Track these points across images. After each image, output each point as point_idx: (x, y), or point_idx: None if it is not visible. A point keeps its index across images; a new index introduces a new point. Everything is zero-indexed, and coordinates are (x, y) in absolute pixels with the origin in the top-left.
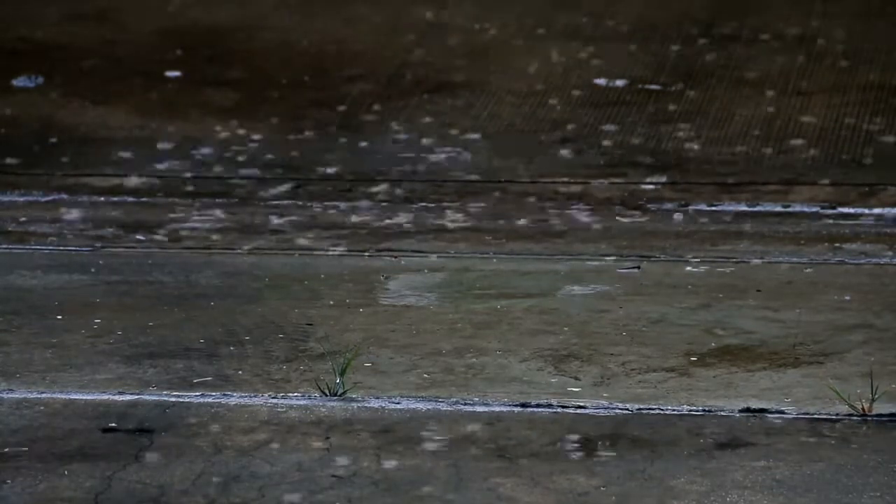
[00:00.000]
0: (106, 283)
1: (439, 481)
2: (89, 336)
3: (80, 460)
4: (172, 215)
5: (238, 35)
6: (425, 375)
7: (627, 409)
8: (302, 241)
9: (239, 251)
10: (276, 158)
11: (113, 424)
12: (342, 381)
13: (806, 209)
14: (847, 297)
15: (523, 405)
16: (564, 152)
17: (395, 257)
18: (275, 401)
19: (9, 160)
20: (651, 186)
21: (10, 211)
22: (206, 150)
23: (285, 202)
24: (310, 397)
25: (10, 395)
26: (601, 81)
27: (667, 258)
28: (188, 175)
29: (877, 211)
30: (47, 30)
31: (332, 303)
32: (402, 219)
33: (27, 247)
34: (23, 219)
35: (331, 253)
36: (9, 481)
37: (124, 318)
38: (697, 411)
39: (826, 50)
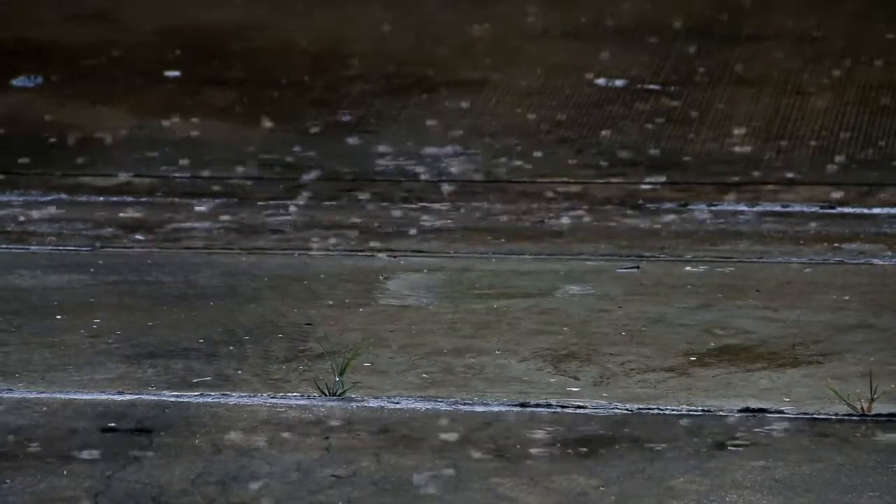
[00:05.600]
0: (105, 282)
1: (439, 481)
2: (89, 336)
3: (79, 460)
4: (172, 215)
5: (238, 35)
6: (425, 375)
7: (627, 409)
8: (302, 241)
9: (239, 251)
10: (276, 158)
11: (112, 424)
12: (341, 381)
13: (805, 209)
14: (846, 297)
15: (523, 405)
16: (564, 152)
17: (395, 257)
18: (274, 401)
19: (8, 160)
20: (650, 186)
21: (9, 211)
22: (205, 150)
23: (284, 202)
24: (309, 397)
25: (10, 395)
26: (601, 81)
27: (666, 258)
28: (188, 175)
29: (876, 211)
30: (47, 30)
31: (331, 303)
32: (402, 219)
33: (27, 247)
34: (22, 219)
35: (330, 253)
36: (8, 481)
37: (124, 318)
38: (697, 411)
39: (826, 49)
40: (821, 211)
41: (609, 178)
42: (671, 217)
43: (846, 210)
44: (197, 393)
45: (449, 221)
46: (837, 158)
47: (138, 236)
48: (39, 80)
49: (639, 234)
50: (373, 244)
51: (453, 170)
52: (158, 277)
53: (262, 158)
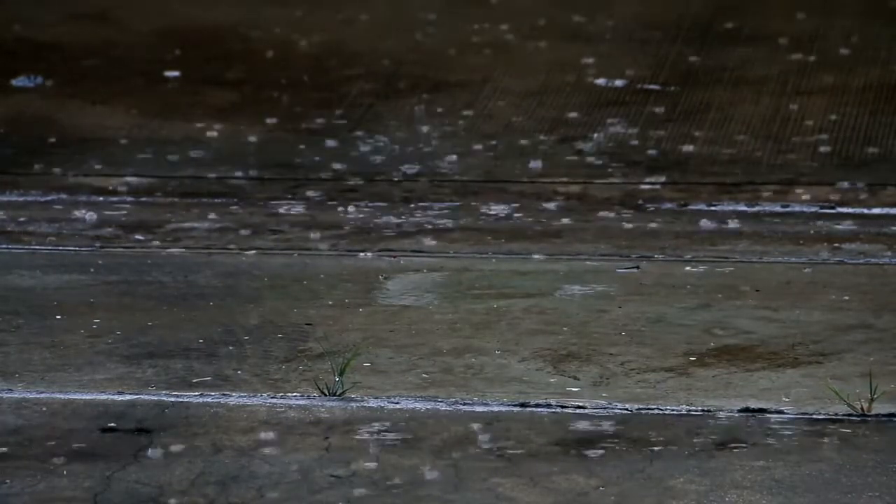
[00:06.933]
0: (105, 282)
1: (439, 481)
2: (88, 336)
3: (79, 460)
4: (172, 215)
5: (237, 35)
6: (424, 375)
7: (627, 409)
8: (301, 241)
9: (238, 251)
10: (276, 158)
11: (112, 424)
12: (341, 381)
13: (805, 209)
14: (846, 297)
15: (522, 405)
16: (564, 152)
17: (395, 257)
18: (274, 401)
19: (8, 160)
20: (650, 186)
21: (9, 211)
22: (205, 150)
23: (285, 202)
24: (309, 397)
25: (10, 395)
26: (601, 81)
27: (666, 258)
28: (187, 175)
29: (876, 211)
30: (47, 30)
31: (331, 303)
32: (402, 219)
33: (26, 247)
34: (22, 219)
35: (330, 253)
36: (8, 481)
37: (123, 318)
38: (696, 411)
39: (826, 49)
40: (821, 211)
41: (609, 178)
42: (671, 217)
43: (846, 210)
44: (197, 393)
45: (449, 221)
46: (837, 158)
47: (138, 236)
48: (39, 80)
49: (639, 234)
50: (373, 244)
51: (453, 169)
52: (158, 277)
53: (261, 158)
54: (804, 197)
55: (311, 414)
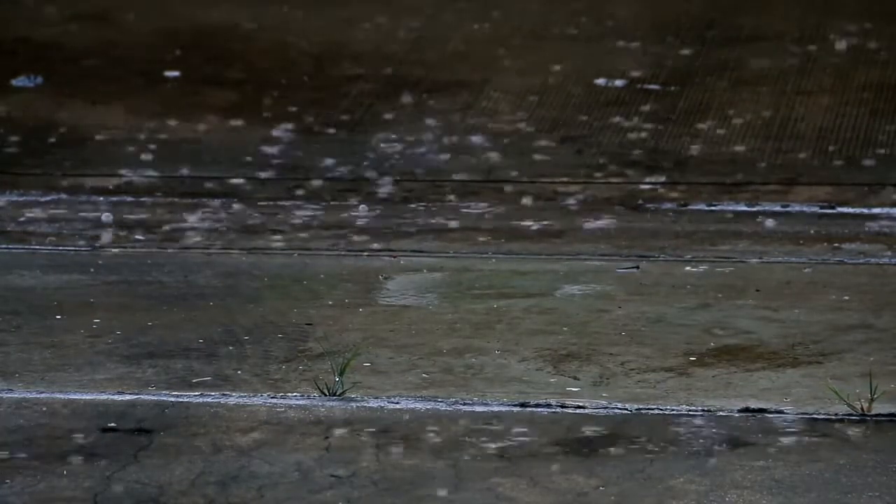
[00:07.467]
0: (105, 282)
1: (439, 481)
2: (88, 336)
3: (79, 460)
4: (172, 215)
5: (238, 35)
6: (424, 375)
7: (627, 409)
8: (301, 241)
9: (239, 251)
10: (276, 158)
11: (112, 424)
12: (341, 381)
13: (805, 209)
14: (846, 297)
15: (522, 405)
16: (564, 152)
17: (395, 257)
18: (274, 401)
19: (8, 160)
20: (650, 186)
21: (9, 211)
22: (205, 150)
23: (285, 202)
24: (309, 397)
25: (10, 395)
26: (601, 81)
27: (666, 258)
28: (188, 174)
29: (876, 211)
30: (47, 30)
31: (331, 303)
32: (402, 219)
33: (26, 247)
34: (22, 219)
35: (330, 253)
36: (8, 481)
37: (123, 318)
38: (697, 411)
39: (826, 49)
40: (821, 211)
41: (609, 178)
42: (671, 217)
43: (846, 210)
44: (197, 393)
45: (449, 221)
46: (837, 158)
47: (138, 236)
48: (39, 80)
49: (639, 234)
50: (373, 244)
51: (453, 169)
52: (158, 277)
53: (261, 158)
54: (804, 196)
55: (311, 414)
